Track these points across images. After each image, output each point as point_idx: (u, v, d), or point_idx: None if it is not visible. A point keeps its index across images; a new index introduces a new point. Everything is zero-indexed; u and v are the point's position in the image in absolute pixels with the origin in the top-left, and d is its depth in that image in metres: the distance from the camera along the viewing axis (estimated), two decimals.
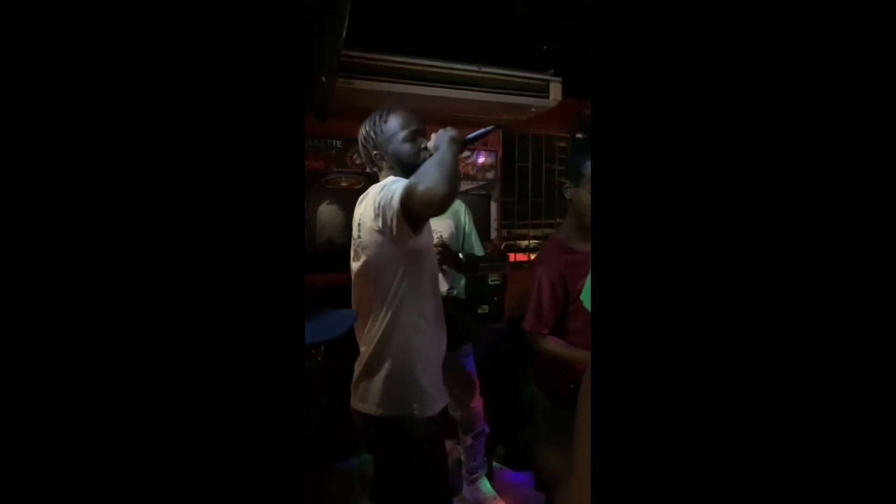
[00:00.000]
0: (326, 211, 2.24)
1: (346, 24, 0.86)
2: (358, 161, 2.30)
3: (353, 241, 1.10)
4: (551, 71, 2.11)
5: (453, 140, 1.00)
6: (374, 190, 1.02)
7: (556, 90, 2.11)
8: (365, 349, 1.07)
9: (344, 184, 2.27)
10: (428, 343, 1.06)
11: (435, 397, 1.08)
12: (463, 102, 1.99)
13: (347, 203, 2.25)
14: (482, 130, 1.10)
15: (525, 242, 2.73)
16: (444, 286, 1.69)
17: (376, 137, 1.10)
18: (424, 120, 1.14)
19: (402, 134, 1.08)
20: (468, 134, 1.08)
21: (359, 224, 1.06)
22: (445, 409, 1.16)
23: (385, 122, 1.09)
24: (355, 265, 1.08)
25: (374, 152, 1.11)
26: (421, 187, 0.90)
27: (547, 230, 2.70)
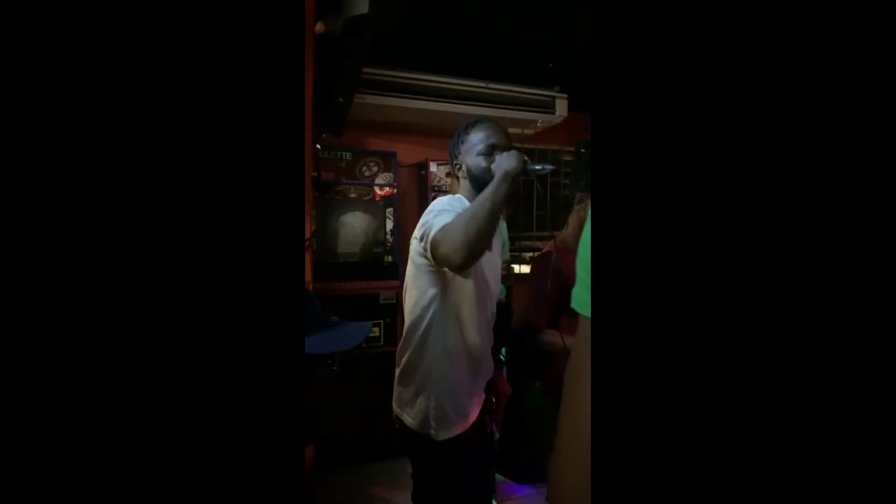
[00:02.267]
0: (337, 221, 2.27)
1: (366, 50, 0.90)
2: (367, 173, 2.34)
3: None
4: (557, 87, 2.16)
5: (506, 175, 0.93)
6: (438, 204, 1.02)
7: (562, 106, 2.15)
8: (401, 355, 1.09)
9: (353, 195, 2.31)
10: (454, 356, 1.05)
11: (452, 417, 1.05)
12: (471, 117, 2.03)
13: (358, 213, 2.28)
14: (545, 168, 1.02)
15: (529, 254, 2.75)
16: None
17: (460, 146, 1.11)
18: (509, 137, 1.11)
19: (479, 147, 1.07)
20: (530, 163, 1.00)
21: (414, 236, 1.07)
22: (475, 437, 1.12)
23: (468, 133, 1.10)
24: (407, 269, 1.10)
25: (455, 161, 1.13)
26: (442, 249, 0.88)
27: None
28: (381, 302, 2.12)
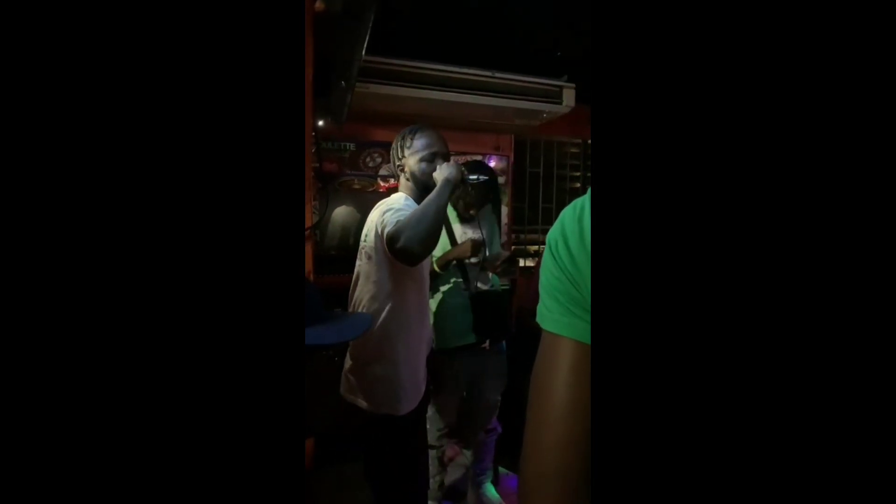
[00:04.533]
0: (341, 213, 2.26)
1: (368, 32, 0.87)
2: (370, 164, 2.32)
3: (360, 243, 1.24)
4: (565, 77, 2.12)
5: (447, 182, 1.10)
6: (385, 203, 1.17)
7: (569, 96, 2.11)
8: (360, 344, 1.18)
9: (356, 186, 2.29)
10: (411, 340, 1.19)
11: (412, 394, 1.20)
12: (477, 107, 2.00)
13: (362, 205, 2.27)
14: (479, 178, 1.31)
15: (535, 248, 2.73)
16: (484, 285, 1.74)
17: (402, 150, 1.25)
18: (448, 147, 1.28)
19: (422, 154, 1.21)
20: (469, 173, 1.22)
21: (366, 231, 1.22)
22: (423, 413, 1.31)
23: (412, 138, 1.24)
24: (358, 264, 1.23)
25: (398, 162, 1.26)
26: (399, 243, 1.01)
27: None
28: None
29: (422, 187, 1.21)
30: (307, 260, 1.06)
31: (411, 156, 1.23)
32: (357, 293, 1.21)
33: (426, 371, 1.29)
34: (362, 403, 1.17)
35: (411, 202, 1.19)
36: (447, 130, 2.17)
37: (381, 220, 1.11)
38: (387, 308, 1.15)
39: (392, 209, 1.12)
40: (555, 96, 2.10)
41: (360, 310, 1.18)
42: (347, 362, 1.22)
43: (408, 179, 1.24)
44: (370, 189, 2.30)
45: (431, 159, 1.22)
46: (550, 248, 0.40)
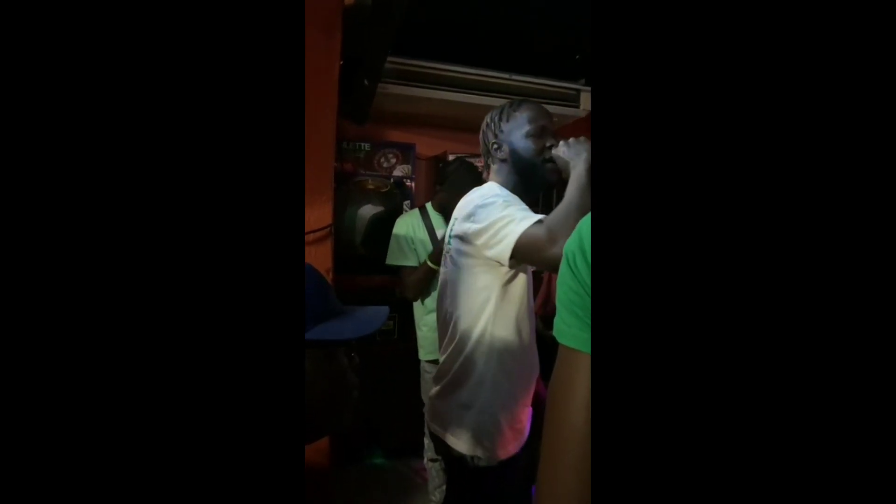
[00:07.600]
0: (364, 214, 2.27)
1: (395, 31, 0.87)
2: (385, 164, 2.33)
3: (444, 246, 1.03)
4: (582, 80, 2.10)
5: (589, 169, 0.87)
6: (475, 196, 0.94)
7: (586, 99, 2.10)
8: (445, 367, 0.99)
9: (371, 186, 2.30)
10: (513, 367, 0.96)
11: (513, 436, 0.97)
12: (492, 109, 2.00)
13: (381, 206, 2.28)
14: None
15: None
16: None
17: (499, 125, 1.01)
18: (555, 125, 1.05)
19: (528, 128, 0.97)
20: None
21: (451, 231, 0.98)
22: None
23: (514, 111, 1.01)
24: (444, 271, 1.01)
25: (493, 142, 1.02)
26: (555, 249, 0.76)
27: None
28: (398, 295, 2.12)
29: (525, 167, 0.98)
30: (327, 258, 1.01)
31: (513, 131, 0.98)
32: (446, 307, 0.99)
33: (530, 406, 1.03)
34: (451, 440, 0.95)
35: (505, 192, 0.95)
36: (461, 132, 2.16)
37: (482, 218, 0.87)
38: (480, 326, 0.93)
39: (495, 204, 0.87)
40: (572, 99, 2.09)
41: (449, 326, 0.97)
42: (434, 388, 1.02)
43: (504, 161, 1.00)
44: (384, 189, 2.31)
45: (540, 134, 0.97)
46: (568, 260, 0.38)
